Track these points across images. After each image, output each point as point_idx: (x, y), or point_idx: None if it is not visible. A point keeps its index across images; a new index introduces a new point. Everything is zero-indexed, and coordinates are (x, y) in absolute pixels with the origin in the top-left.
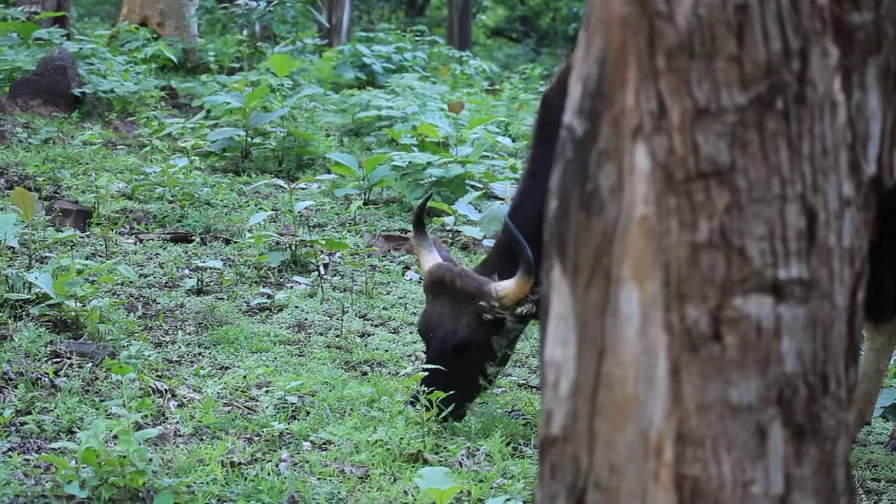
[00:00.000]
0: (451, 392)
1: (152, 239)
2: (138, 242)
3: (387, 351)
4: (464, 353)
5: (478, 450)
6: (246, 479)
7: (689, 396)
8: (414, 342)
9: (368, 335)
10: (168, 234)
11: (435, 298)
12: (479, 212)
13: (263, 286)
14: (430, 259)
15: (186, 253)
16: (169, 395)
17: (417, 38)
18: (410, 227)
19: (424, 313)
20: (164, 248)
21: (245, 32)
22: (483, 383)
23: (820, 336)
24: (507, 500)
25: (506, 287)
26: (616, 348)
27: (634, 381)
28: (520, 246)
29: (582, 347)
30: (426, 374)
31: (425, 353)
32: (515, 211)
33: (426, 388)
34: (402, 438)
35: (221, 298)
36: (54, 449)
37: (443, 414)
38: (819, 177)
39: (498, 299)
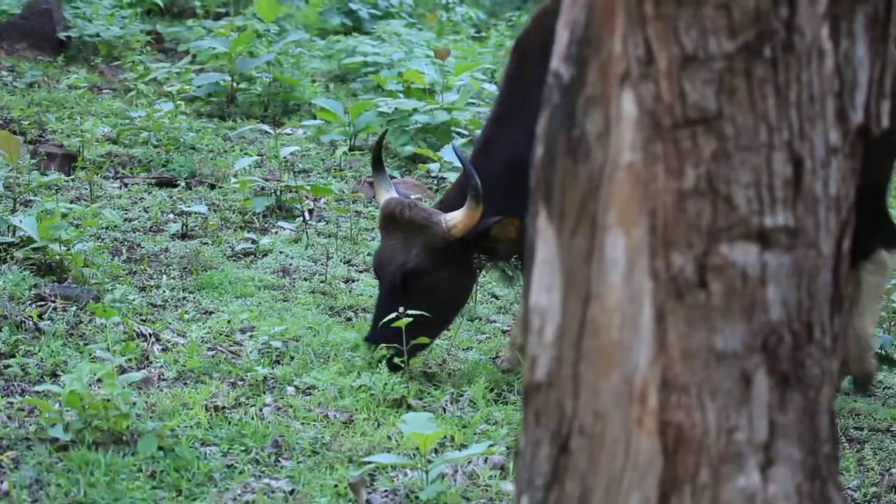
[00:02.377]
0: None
1: (137, 183)
2: (123, 187)
3: (371, 296)
4: (412, 284)
5: (461, 395)
6: (230, 423)
7: (673, 343)
8: None
9: (353, 281)
10: (153, 178)
11: (388, 234)
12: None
13: (248, 231)
14: (387, 196)
15: (171, 197)
16: (153, 339)
17: None
18: (395, 174)
19: (378, 250)
20: (149, 193)
21: None
22: (439, 325)
23: (805, 284)
24: (491, 445)
25: (454, 216)
26: (601, 294)
27: (619, 328)
28: (468, 173)
29: (567, 293)
30: (378, 314)
31: (378, 290)
32: (479, 153)
33: (378, 331)
34: (385, 384)
35: (206, 243)
36: (38, 392)
37: (394, 356)
38: (806, 125)
39: (447, 228)
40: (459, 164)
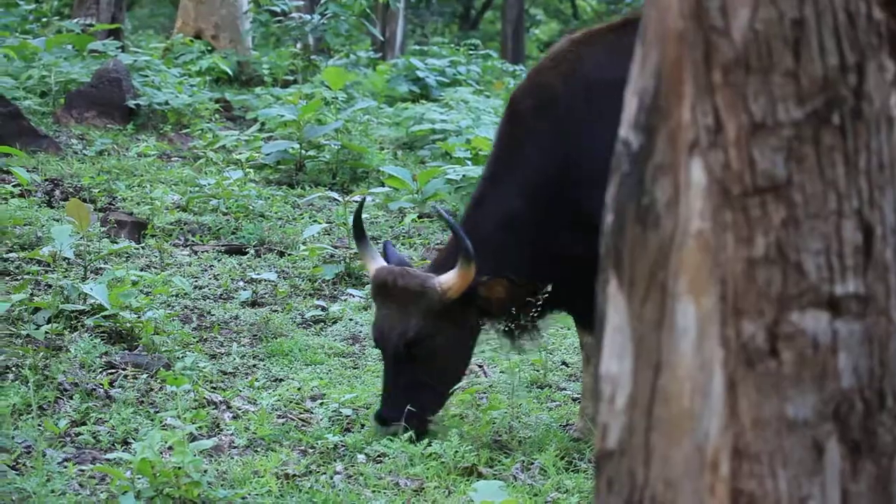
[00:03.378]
0: (414, 405)
1: (207, 251)
2: (193, 254)
3: None
4: (416, 351)
5: (532, 463)
6: (300, 491)
7: (745, 411)
8: None
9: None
10: (222, 245)
11: (383, 303)
12: None
13: (318, 298)
14: (375, 265)
15: (241, 265)
16: (224, 407)
17: (471, 52)
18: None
19: (375, 322)
20: (219, 260)
21: (299, 45)
22: (448, 385)
23: (876, 351)
24: None
25: (448, 278)
26: (672, 362)
27: (691, 396)
28: (457, 234)
29: (638, 361)
30: (387, 388)
31: (382, 362)
32: (472, 212)
33: (390, 409)
34: (456, 451)
35: (276, 310)
36: (109, 459)
37: (409, 432)
38: (875, 192)
39: (442, 291)
40: None
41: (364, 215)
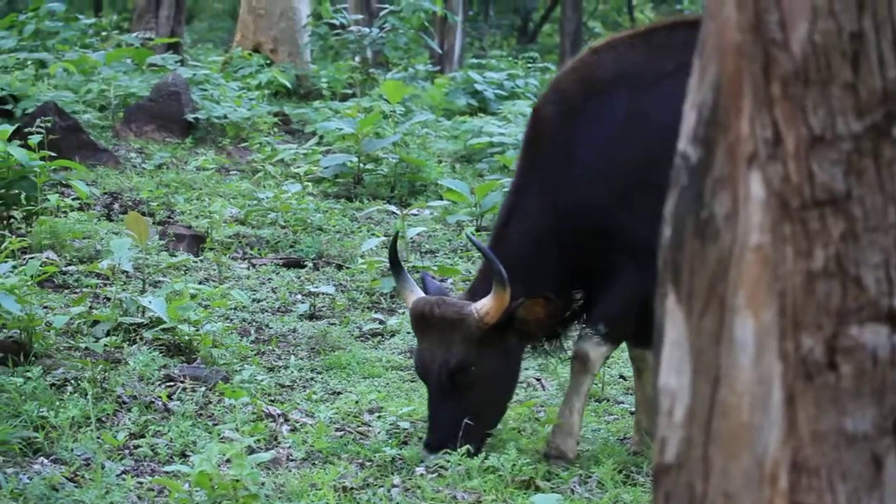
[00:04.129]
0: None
1: (265, 264)
2: (251, 267)
3: None
4: (459, 380)
5: (590, 477)
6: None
7: (803, 425)
8: (525, 369)
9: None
10: (281, 259)
11: (423, 335)
12: None
13: (375, 312)
14: (413, 297)
15: (299, 278)
16: (282, 420)
17: (529, 65)
18: None
19: (417, 353)
20: (277, 274)
21: (357, 59)
22: (495, 413)
23: None
24: None
25: (484, 304)
26: (731, 376)
27: (749, 409)
28: (489, 259)
29: (697, 375)
30: (433, 418)
31: (427, 394)
32: (501, 229)
33: (438, 437)
34: (514, 465)
35: (334, 324)
36: (168, 472)
37: (466, 455)
38: None
39: (480, 317)
40: None
41: (421, 228)
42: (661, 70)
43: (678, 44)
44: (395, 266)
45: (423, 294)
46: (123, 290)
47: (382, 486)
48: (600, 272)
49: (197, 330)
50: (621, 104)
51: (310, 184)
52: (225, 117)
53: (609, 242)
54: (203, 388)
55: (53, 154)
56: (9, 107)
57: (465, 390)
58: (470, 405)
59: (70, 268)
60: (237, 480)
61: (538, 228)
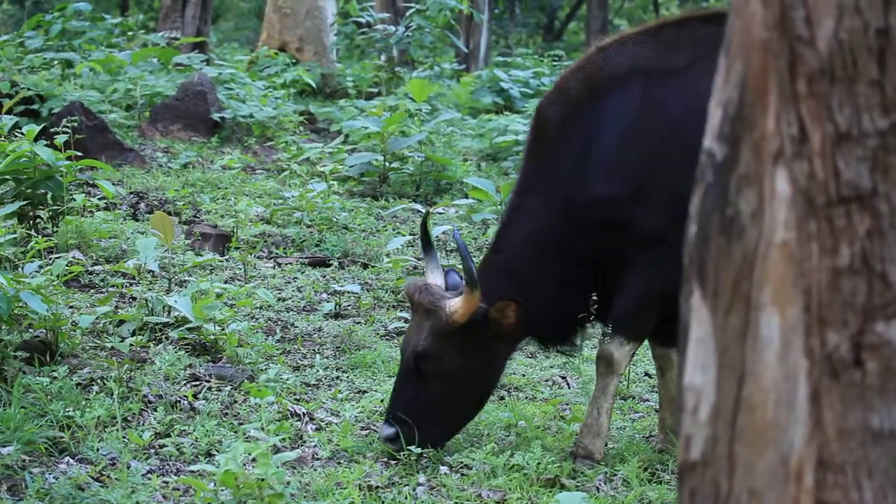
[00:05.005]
0: (418, 416)
1: (290, 263)
2: (277, 266)
3: (524, 375)
4: (423, 367)
5: (615, 475)
6: (383, 502)
7: (829, 422)
8: (551, 367)
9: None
10: (306, 258)
11: (412, 316)
12: None
13: (401, 310)
14: (431, 277)
15: (324, 277)
16: (307, 419)
17: (555, 63)
18: None
19: (406, 331)
20: (303, 273)
21: (383, 57)
22: (458, 412)
23: None
24: None
25: (455, 302)
26: (756, 373)
27: (775, 406)
28: (463, 259)
29: (722, 372)
30: (394, 394)
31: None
32: (503, 226)
33: (393, 414)
34: (539, 463)
35: (359, 322)
36: (193, 471)
37: (416, 446)
38: None
39: (448, 314)
40: None
41: (447, 227)
42: (672, 65)
43: (688, 39)
44: (426, 244)
45: (441, 280)
46: (149, 289)
47: (408, 485)
48: (613, 270)
49: (222, 329)
50: (633, 98)
51: (335, 182)
52: (251, 116)
53: (622, 238)
54: (228, 388)
55: (80, 154)
56: (35, 107)
57: (430, 379)
58: (431, 395)
59: (96, 267)
60: (262, 479)
61: (541, 229)
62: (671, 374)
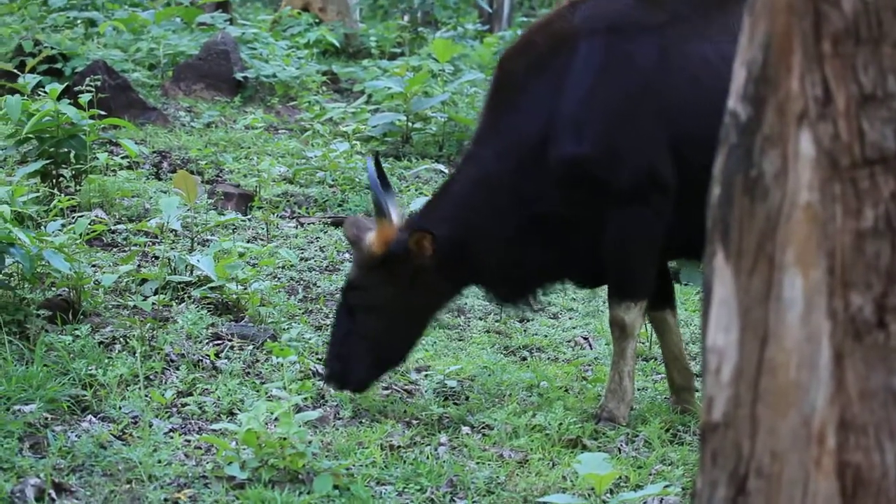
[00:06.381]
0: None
1: (313, 223)
2: (299, 226)
3: (546, 336)
4: (351, 301)
5: (637, 436)
6: (405, 462)
7: (852, 383)
8: (573, 328)
9: (528, 320)
10: (329, 217)
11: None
12: None
13: None
14: (391, 215)
15: None
16: None
17: None
18: None
19: None
20: (325, 232)
21: (406, 18)
22: (386, 350)
23: None
24: (666, 486)
25: (371, 236)
26: (779, 334)
27: (797, 368)
28: (372, 189)
29: (744, 333)
30: (332, 333)
31: None
32: (458, 169)
33: (331, 353)
34: (560, 423)
35: None
36: (215, 430)
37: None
38: None
39: (368, 245)
40: None
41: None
42: (647, 22)
43: (671, 0)
44: (383, 182)
45: (398, 216)
46: (172, 248)
47: (429, 445)
48: (584, 229)
49: (245, 288)
50: (598, 52)
51: (358, 143)
52: (274, 76)
53: (594, 196)
54: (251, 347)
55: (103, 112)
56: (59, 66)
57: (358, 314)
58: (360, 329)
59: (119, 226)
60: (284, 439)
61: (490, 179)
62: (670, 336)
